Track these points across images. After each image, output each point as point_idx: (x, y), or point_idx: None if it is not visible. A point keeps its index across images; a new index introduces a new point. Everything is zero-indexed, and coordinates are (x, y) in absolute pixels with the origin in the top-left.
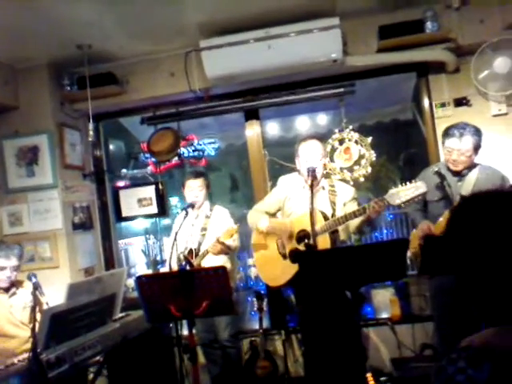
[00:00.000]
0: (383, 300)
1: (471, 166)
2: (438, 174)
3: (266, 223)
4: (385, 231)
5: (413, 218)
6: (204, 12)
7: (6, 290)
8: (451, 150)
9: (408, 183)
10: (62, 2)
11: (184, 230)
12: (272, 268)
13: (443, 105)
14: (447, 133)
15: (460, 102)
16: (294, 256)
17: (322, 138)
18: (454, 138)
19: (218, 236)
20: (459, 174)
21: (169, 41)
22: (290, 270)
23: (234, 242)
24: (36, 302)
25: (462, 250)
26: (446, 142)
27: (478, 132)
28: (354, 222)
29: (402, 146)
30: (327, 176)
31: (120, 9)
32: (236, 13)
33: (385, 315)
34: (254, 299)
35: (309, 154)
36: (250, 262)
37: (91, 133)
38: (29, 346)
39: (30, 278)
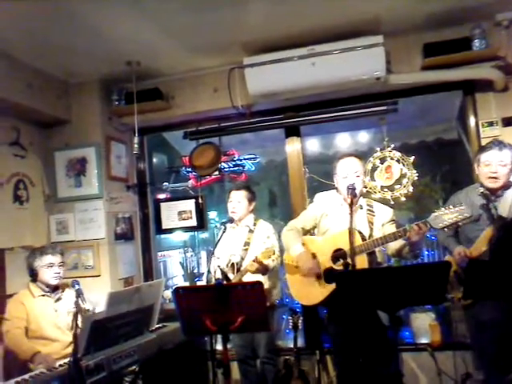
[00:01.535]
0: (423, 325)
1: (507, 186)
2: (484, 194)
3: (296, 254)
4: (426, 253)
5: (446, 244)
6: (248, 30)
7: (54, 291)
8: (490, 163)
9: (452, 207)
10: (113, 21)
11: (225, 244)
12: (305, 287)
13: (491, 124)
14: (484, 148)
15: (509, 122)
16: (333, 275)
17: (361, 156)
18: (493, 151)
19: (256, 255)
20: (494, 194)
21: (213, 58)
22: (323, 289)
23: (272, 262)
24: (78, 309)
25: None
26: (484, 156)
27: None
28: (394, 245)
29: (446, 166)
30: (366, 195)
31: (168, 27)
32: (280, 31)
33: (424, 340)
34: (289, 317)
35: (346, 172)
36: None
37: (136, 146)
38: (69, 350)
39: (73, 285)
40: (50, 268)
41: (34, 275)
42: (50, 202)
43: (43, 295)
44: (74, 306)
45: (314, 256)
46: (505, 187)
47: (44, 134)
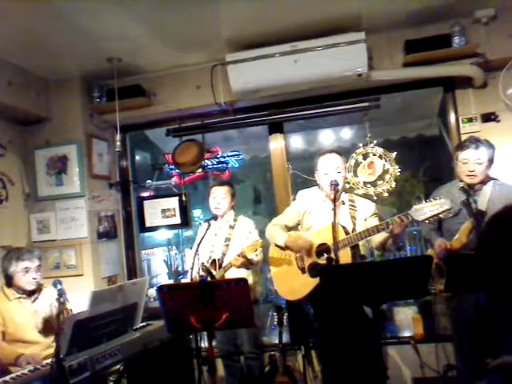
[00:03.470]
0: (406, 318)
1: (485, 181)
2: (464, 189)
3: (283, 240)
4: (408, 247)
5: (428, 237)
6: (231, 26)
7: (30, 294)
8: (467, 162)
9: (432, 199)
10: (95, 17)
11: (207, 241)
12: (290, 282)
13: (470, 120)
14: (461, 146)
15: (488, 118)
16: (316, 270)
17: (342, 152)
18: (470, 149)
19: (242, 248)
20: (473, 189)
21: (195, 54)
22: (308, 284)
23: (256, 256)
24: (61, 309)
25: (498, 267)
26: (461, 155)
27: (492, 146)
28: (377, 238)
29: (427, 162)
30: (348, 191)
31: (149, 24)
32: (262, 27)
33: (407, 334)
34: (274, 313)
35: (328, 168)
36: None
37: (118, 143)
38: (51, 351)
39: (55, 285)
40: (25, 273)
41: (9, 280)
42: (30, 200)
43: (19, 297)
44: (54, 304)
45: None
46: (483, 182)
47: (24, 132)
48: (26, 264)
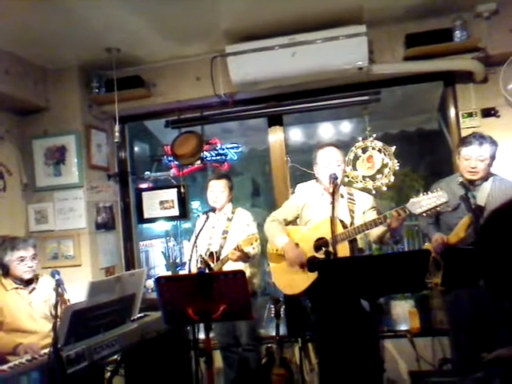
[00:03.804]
0: (402, 312)
1: (486, 177)
2: (463, 184)
3: (281, 245)
4: (406, 242)
5: (426, 231)
6: (230, 18)
7: (27, 283)
8: (469, 158)
9: (430, 192)
10: (93, 7)
11: (205, 233)
12: (288, 276)
13: (470, 115)
14: (464, 141)
15: (488, 113)
16: (315, 263)
17: (340, 145)
18: (473, 146)
19: (238, 242)
20: (473, 185)
21: (195, 46)
22: (306, 278)
23: (253, 249)
24: (58, 299)
25: (496, 262)
26: (464, 151)
27: (495, 142)
28: (375, 231)
29: (427, 156)
30: (346, 184)
31: (148, 14)
32: (262, 19)
33: (404, 327)
34: (272, 305)
35: (327, 161)
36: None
37: (117, 134)
38: (49, 341)
39: (53, 275)
40: (21, 262)
41: (5, 269)
42: (28, 191)
43: (16, 288)
44: (50, 294)
45: (296, 245)
46: (484, 178)
47: (21, 122)
48: (21, 253)
